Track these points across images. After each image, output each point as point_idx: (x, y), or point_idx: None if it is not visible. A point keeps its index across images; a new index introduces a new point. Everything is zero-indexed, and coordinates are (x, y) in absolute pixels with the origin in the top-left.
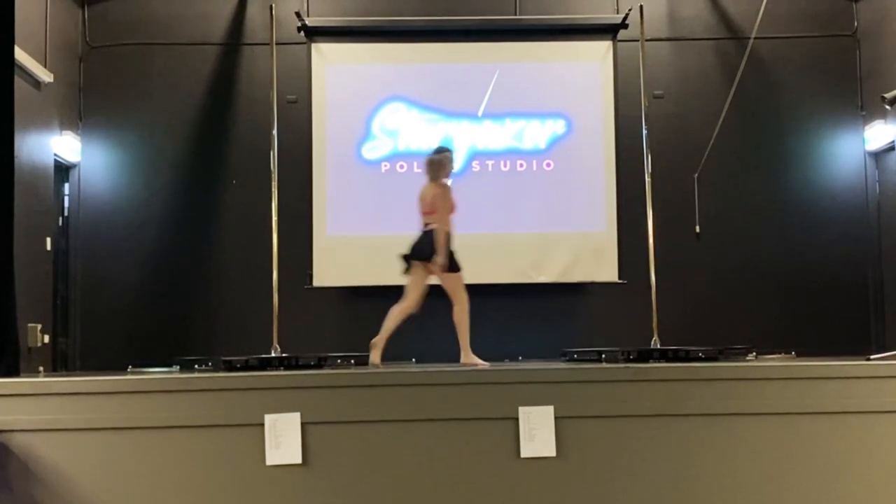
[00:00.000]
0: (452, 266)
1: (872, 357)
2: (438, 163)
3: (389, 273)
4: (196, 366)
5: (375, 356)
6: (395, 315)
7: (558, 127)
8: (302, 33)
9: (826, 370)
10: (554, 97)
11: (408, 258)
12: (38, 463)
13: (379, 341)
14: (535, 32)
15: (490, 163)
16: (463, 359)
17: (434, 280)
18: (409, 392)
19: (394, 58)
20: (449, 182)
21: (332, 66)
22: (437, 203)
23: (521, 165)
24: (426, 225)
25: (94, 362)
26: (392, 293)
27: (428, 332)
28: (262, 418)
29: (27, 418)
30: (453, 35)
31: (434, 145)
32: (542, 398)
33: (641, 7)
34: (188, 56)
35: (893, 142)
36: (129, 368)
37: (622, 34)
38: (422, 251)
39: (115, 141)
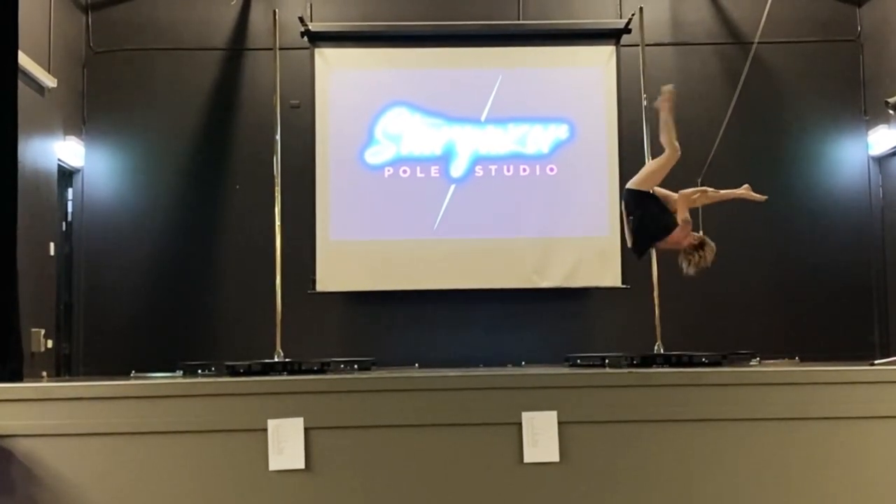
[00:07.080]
0: None
1: (876, 362)
2: None
3: (392, 278)
4: (199, 371)
5: None
6: None
7: (561, 132)
8: (305, 38)
9: (830, 375)
10: (557, 102)
11: None
12: (40, 468)
13: None
14: (538, 37)
15: (493, 168)
16: None
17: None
18: (412, 397)
19: (397, 63)
20: None
21: (335, 71)
22: None
23: (524, 170)
24: None
25: (97, 367)
26: (395, 298)
27: (431, 336)
28: (265, 423)
29: (30, 423)
30: (456, 40)
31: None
32: (545, 403)
33: (641, 9)
34: (191, 61)
35: None
36: (133, 373)
37: (625, 39)
38: None
39: (118, 146)
